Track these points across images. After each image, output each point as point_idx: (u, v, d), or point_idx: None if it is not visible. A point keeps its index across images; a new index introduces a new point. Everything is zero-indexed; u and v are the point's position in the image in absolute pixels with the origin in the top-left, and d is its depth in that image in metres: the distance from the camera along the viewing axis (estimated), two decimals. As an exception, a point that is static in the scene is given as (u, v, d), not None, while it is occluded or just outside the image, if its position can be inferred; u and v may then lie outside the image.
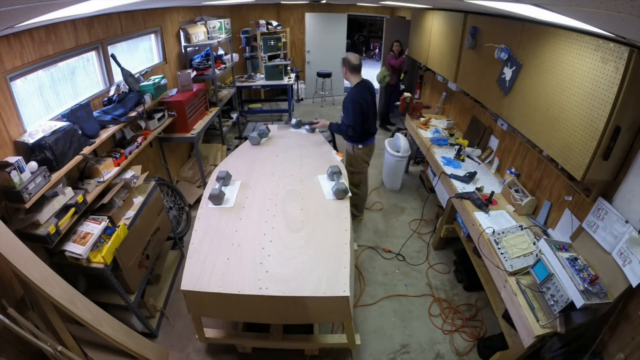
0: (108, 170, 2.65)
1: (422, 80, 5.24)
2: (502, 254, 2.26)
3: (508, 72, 2.55)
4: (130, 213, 2.63)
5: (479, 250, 2.51)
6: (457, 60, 3.50)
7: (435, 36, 4.14)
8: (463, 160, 3.49)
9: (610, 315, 1.89)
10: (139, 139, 3.19)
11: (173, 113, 3.78)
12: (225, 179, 2.71)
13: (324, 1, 6.37)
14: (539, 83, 2.23)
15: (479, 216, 2.65)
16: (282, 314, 2.10)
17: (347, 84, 6.73)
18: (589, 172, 1.84)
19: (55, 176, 2.16)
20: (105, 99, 3.03)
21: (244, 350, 2.60)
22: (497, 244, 2.32)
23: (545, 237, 2.33)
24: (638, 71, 1.55)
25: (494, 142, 3.39)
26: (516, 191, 2.77)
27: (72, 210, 2.24)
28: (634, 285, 1.71)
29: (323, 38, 8.12)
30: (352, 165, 3.68)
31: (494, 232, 2.39)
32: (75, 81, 2.85)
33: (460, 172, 3.20)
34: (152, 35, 4.03)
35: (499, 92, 2.69)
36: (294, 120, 3.88)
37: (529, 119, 2.34)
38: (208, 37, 5.02)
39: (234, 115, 5.89)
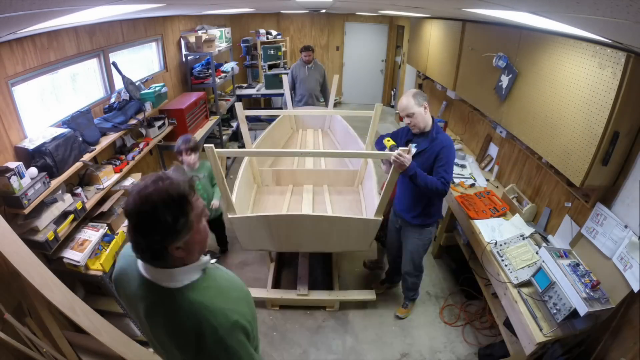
0: (108, 178, 2.64)
1: (421, 88, 5.28)
2: (505, 265, 2.22)
3: (505, 80, 2.57)
4: (130, 220, 2.62)
5: (482, 266, 2.51)
6: (456, 69, 3.53)
7: (433, 45, 4.18)
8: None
9: (612, 320, 1.88)
10: (140, 147, 3.20)
11: (173, 121, 3.80)
12: None
13: (323, 11, 6.44)
14: (537, 90, 2.24)
15: (479, 223, 2.65)
16: (314, 238, 2.58)
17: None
18: (587, 177, 1.84)
19: (55, 182, 2.16)
20: (106, 106, 3.04)
21: (273, 307, 2.96)
22: (500, 256, 2.28)
23: (545, 244, 2.32)
24: (635, 76, 1.57)
25: (493, 150, 3.40)
26: (516, 198, 2.77)
27: (71, 217, 2.24)
28: (636, 290, 1.70)
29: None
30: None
31: (496, 244, 2.36)
32: (76, 88, 2.86)
33: (460, 179, 3.20)
34: (153, 44, 4.08)
35: (497, 99, 2.71)
36: None
37: (528, 125, 2.35)
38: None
39: (234, 124, 5.91)
